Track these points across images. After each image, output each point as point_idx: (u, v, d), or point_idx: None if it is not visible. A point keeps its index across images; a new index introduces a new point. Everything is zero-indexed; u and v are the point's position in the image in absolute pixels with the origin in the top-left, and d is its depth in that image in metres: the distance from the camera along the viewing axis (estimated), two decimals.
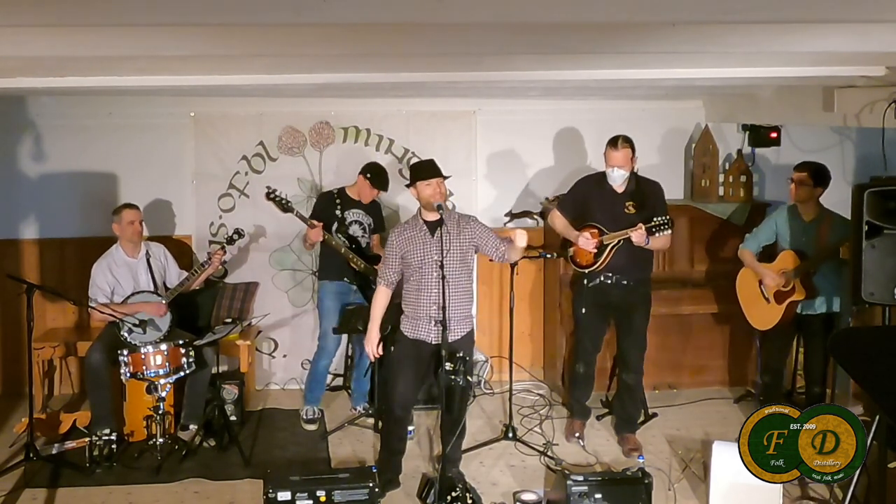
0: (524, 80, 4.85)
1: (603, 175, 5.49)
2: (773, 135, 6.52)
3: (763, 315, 5.66)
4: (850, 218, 5.39)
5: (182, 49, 3.35)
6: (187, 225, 6.64)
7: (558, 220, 5.60)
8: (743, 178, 6.68)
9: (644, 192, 5.43)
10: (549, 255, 6.08)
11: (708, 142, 6.75)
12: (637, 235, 5.19)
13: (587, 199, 5.52)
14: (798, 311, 5.56)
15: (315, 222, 5.75)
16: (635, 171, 5.44)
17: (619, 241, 5.32)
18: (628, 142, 5.32)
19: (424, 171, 4.83)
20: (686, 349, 6.60)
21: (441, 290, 4.59)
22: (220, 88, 5.33)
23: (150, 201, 6.45)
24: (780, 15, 2.69)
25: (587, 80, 4.84)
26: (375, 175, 5.97)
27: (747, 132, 6.70)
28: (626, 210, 5.38)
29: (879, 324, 4.98)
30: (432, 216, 4.77)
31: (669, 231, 5.23)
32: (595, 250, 5.38)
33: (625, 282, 5.42)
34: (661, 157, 6.92)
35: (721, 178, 6.77)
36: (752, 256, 5.71)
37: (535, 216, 6.81)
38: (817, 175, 5.48)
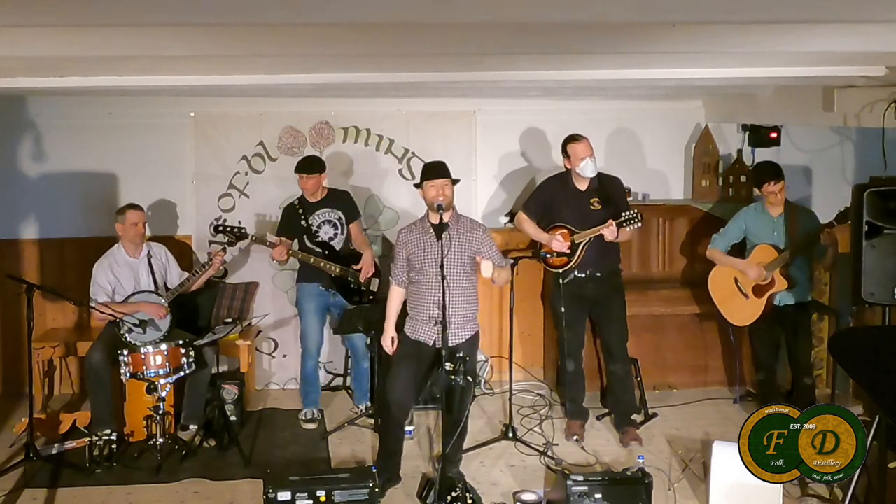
0: (524, 80, 4.85)
1: (566, 175, 5.63)
2: (773, 135, 6.53)
3: (743, 311, 5.74)
4: (812, 212, 5.70)
5: (182, 49, 3.35)
6: (187, 225, 6.64)
7: (526, 224, 5.71)
8: (743, 178, 6.69)
9: (606, 187, 5.60)
10: (548, 256, 6.08)
11: (708, 142, 6.76)
12: (609, 232, 5.34)
13: (552, 200, 5.65)
14: (776, 303, 5.63)
15: (277, 240, 5.79)
16: None
17: (589, 239, 5.45)
18: (584, 135, 5.51)
19: (431, 171, 4.83)
20: (686, 349, 6.59)
21: (442, 292, 4.59)
22: (220, 88, 5.32)
23: (150, 201, 6.44)
24: (780, 15, 2.69)
25: (587, 80, 4.84)
26: (299, 164, 5.93)
27: (747, 132, 6.70)
28: (591, 207, 5.53)
29: (879, 324, 4.98)
30: (438, 218, 4.77)
31: (640, 224, 5.36)
32: (569, 251, 5.49)
33: (598, 274, 5.57)
34: (661, 157, 6.92)
35: (721, 178, 6.77)
36: (724, 254, 5.83)
37: None
38: (782, 173, 5.62)
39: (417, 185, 4.90)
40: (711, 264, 5.91)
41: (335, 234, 6.01)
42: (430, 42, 3.32)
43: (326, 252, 5.92)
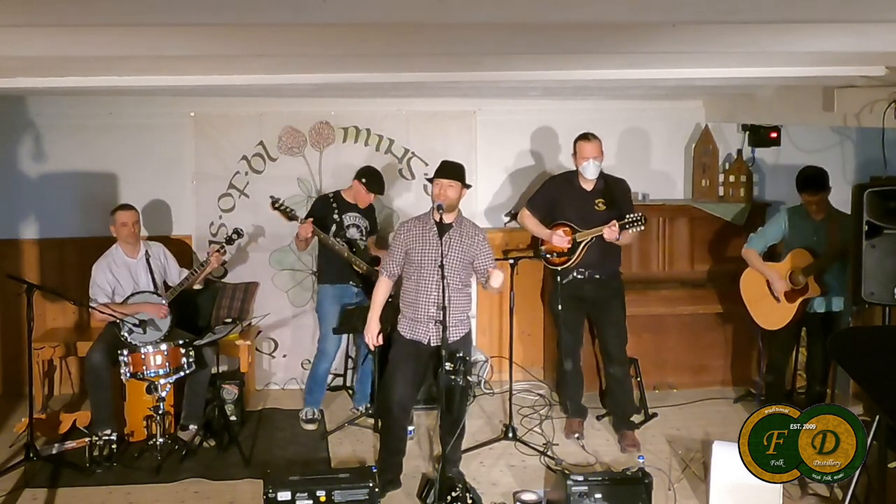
0: (524, 80, 4.85)
1: (572, 174, 5.64)
2: (773, 135, 6.53)
3: (773, 314, 5.64)
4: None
5: (182, 49, 3.35)
6: (187, 225, 6.64)
7: (529, 220, 5.71)
8: (743, 178, 6.69)
9: (612, 189, 5.59)
10: (549, 256, 6.08)
11: (708, 142, 6.76)
12: (610, 232, 5.33)
13: (557, 198, 5.65)
14: (807, 309, 5.56)
15: (306, 219, 5.71)
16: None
17: (591, 239, 5.45)
18: (597, 136, 5.49)
19: (440, 170, 4.88)
20: (686, 349, 6.60)
21: (441, 291, 4.59)
22: (220, 88, 5.32)
23: (149, 201, 6.45)
24: (780, 15, 2.69)
25: (587, 80, 4.84)
26: (371, 179, 5.95)
27: (747, 132, 6.71)
28: (596, 207, 5.53)
29: (879, 324, 4.98)
30: (439, 217, 4.77)
31: (643, 227, 5.35)
32: (569, 247, 5.49)
33: (597, 276, 5.56)
34: (661, 157, 6.93)
35: (721, 178, 6.77)
36: (758, 256, 5.71)
37: None
38: (825, 184, 5.48)
39: (430, 180, 4.94)
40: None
41: (360, 238, 6.03)
42: (430, 42, 3.31)
43: (353, 249, 5.92)
